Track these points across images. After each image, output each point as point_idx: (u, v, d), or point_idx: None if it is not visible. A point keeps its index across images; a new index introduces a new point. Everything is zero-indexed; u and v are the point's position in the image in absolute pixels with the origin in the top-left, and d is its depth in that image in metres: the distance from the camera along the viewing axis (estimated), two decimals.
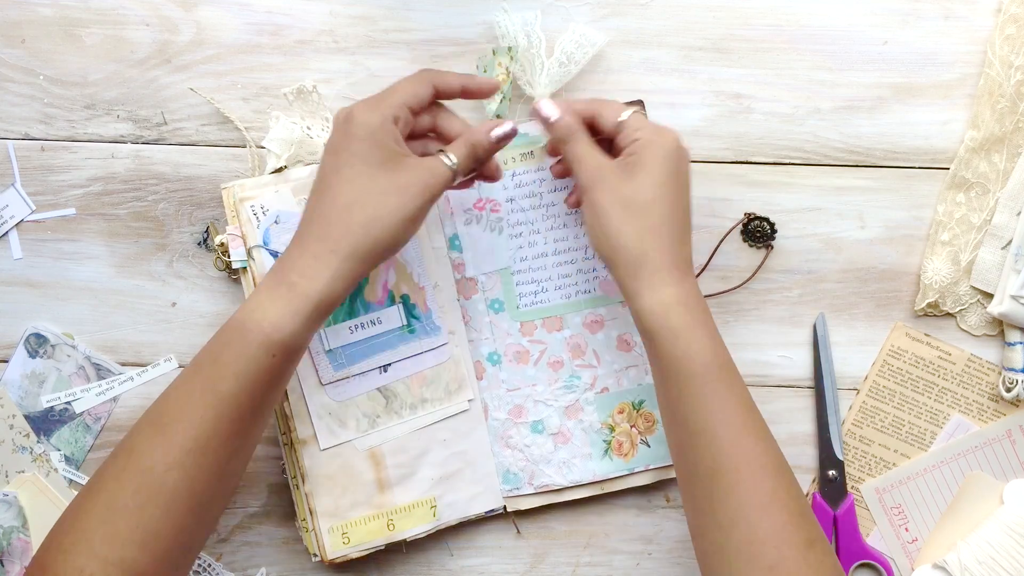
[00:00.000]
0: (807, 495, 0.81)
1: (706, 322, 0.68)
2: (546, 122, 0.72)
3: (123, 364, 0.81)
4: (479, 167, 0.72)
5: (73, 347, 0.80)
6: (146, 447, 0.64)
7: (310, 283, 0.65)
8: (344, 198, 0.66)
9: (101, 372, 0.80)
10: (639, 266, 0.68)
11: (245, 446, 0.68)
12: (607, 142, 0.72)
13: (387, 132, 0.67)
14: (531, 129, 0.78)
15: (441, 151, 0.70)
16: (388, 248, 0.67)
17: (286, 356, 0.66)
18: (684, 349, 0.67)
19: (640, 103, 0.78)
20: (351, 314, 0.77)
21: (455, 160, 0.69)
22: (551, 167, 0.77)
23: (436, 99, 0.71)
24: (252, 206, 0.76)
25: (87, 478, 0.79)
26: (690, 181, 0.71)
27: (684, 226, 0.69)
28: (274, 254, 0.76)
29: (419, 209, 0.67)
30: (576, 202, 0.76)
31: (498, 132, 0.71)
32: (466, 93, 0.72)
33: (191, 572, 0.81)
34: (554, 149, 0.76)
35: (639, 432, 0.79)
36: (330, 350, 0.77)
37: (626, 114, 0.71)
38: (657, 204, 0.68)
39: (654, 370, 0.70)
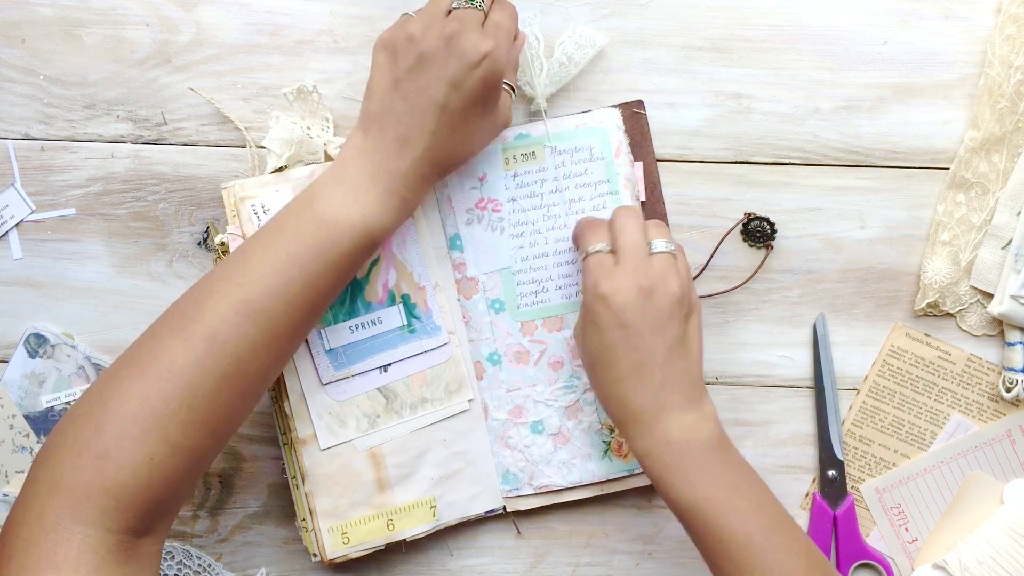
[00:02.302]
0: (807, 495, 0.81)
1: (679, 465, 0.69)
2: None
3: None
4: None
5: (73, 347, 0.80)
6: (235, 335, 0.65)
7: (415, 198, 0.71)
8: (461, 133, 0.70)
9: (101, 372, 0.80)
10: (617, 421, 0.72)
11: (314, 325, 0.73)
12: None
13: (501, 85, 0.71)
14: (533, 130, 0.78)
15: (506, 83, 0.73)
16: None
17: (377, 248, 0.72)
18: (662, 493, 0.70)
19: (640, 103, 0.78)
20: (351, 314, 0.77)
21: (513, 89, 0.74)
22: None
23: None
24: (253, 205, 0.76)
25: None
26: (648, 320, 0.69)
27: (649, 368, 0.69)
28: None
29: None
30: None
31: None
32: None
33: (192, 574, 0.81)
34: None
35: None
36: (330, 350, 0.77)
37: (591, 248, 0.71)
38: (607, 365, 0.70)
39: None
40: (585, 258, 0.72)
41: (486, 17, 0.70)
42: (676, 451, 0.69)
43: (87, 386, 0.79)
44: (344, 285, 0.71)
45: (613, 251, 0.71)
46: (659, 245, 0.71)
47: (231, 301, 0.66)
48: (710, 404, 0.71)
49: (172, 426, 0.63)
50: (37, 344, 0.80)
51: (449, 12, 0.69)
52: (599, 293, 0.69)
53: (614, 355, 0.69)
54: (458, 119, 0.69)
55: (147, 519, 0.63)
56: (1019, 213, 0.78)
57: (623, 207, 0.73)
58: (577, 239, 0.75)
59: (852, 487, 0.81)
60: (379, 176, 0.69)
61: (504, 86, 0.72)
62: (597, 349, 0.70)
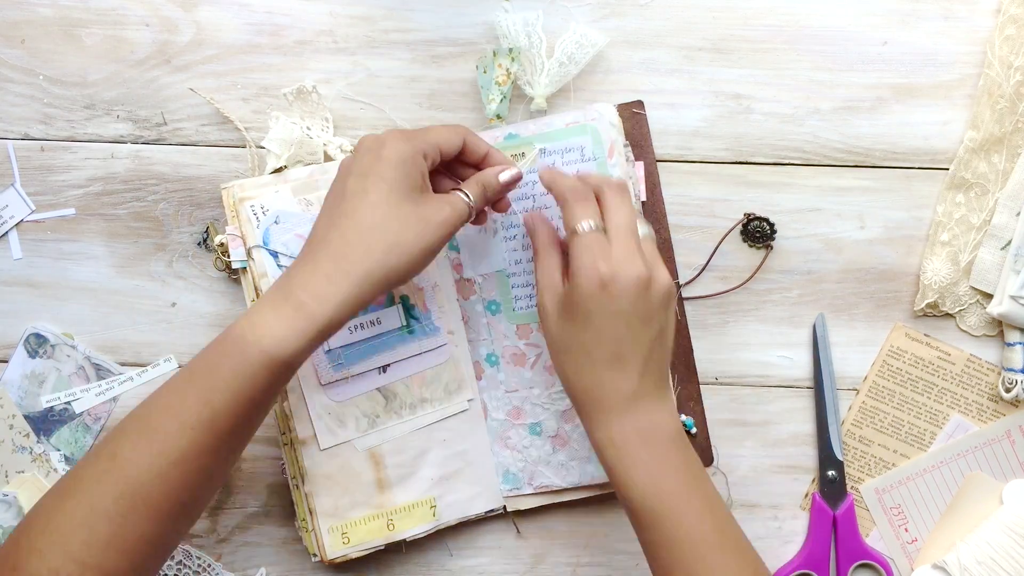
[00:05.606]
0: (807, 495, 0.81)
1: (641, 456, 0.67)
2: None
3: (123, 364, 0.81)
4: (490, 204, 0.73)
5: (73, 347, 0.80)
6: (131, 453, 0.63)
7: (319, 305, 0.64)
8: (368, 221, 0.65)
9: (101, 372, 0.80)
10: (581, 407, 0.69)
11: (232, 456, 0.68)
12: None
13: (416, 164, 0.67)
14: (523, 130, 0.77)
15: (458, 189, 0.70)
16: (401, 277, 0.67)
17: (284, 374, 0.65)
18: (618, 486, 0.68)
19: (640, 103, 0.78)
20: None
21: (472, 198, 0.69)
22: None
23: (460, 155, 0.71)
24: (252, 206, 0.76)
25: None
26: (639, 309, 0.66)
27: (632, 358, 0.67)
28: (274, 254, 0.76)
29: (439, 241, 0.67)
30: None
31: (504, 177, 0.71)
32: (486, 161, 0.72)
33: (192, 574, 0.81)
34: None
35: None
36: (329, 350, 0.77)
37: (583, 225, 0.67)
38: (585, 352, 0.67)
39: None
40: (574, 235, 0.67)
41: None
42: (643, 441, 0.67)
43: (87, 386, 0.80)
44: (258, 406, 0.65)
45: (605, 230, 0.68)
46: (642, 230, 0.69)
47: (135, 419, 0.65)
48: (673, 396, 0.72)
49: (74, 543, 0.61)
50: (37, 344, 0.80)
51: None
52: (600, 276, 0.65)
53: (597, 341, 0.66)
54: (358, 202, 0.65)
55: None
56: (1019, 213, 0.78)
57: (613, 182, 0.70)
58: (529, 226, 0.73)
59: (852, 487, 0.81)
60: (280, 284, 0.66)
61: (461, 195, 0.69)
62: (577, 334, 0.67)
